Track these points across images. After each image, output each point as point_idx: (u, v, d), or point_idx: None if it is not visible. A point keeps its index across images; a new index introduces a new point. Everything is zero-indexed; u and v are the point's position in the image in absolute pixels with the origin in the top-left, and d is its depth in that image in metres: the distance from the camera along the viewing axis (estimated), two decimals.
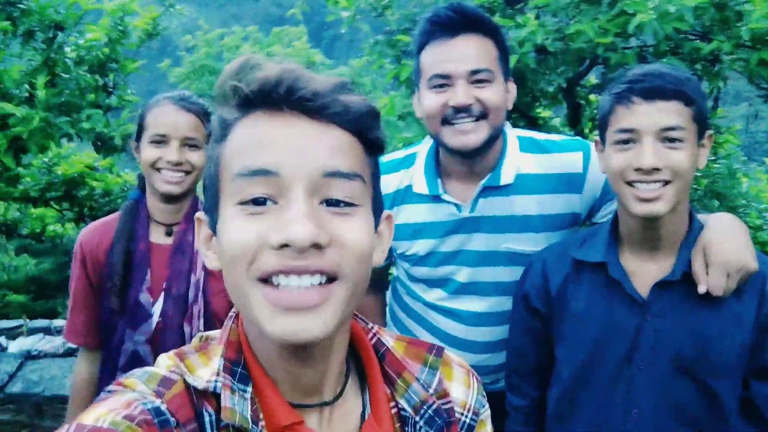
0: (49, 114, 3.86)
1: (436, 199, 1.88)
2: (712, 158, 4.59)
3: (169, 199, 1.99)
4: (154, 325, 1.95)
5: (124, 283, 1.95)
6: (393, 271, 2.24)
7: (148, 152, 1.95)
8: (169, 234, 2.04)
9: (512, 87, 1.84)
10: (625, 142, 1.47)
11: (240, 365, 0.84)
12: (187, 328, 1.94)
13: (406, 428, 0.91)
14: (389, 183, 1.93)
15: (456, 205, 1.87)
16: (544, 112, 4.85)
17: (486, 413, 1.05)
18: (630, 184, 1.46)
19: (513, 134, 1.92)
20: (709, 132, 1.51)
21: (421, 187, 1.90)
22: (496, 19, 3.31)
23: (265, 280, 0.77)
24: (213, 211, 0.84)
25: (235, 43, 23.19)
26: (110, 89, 4.31)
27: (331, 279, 0.78)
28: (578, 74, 3.93)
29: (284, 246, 0.75)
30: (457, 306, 1.96)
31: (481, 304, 1.93)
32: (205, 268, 2.00)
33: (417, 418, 0.91)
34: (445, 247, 1.91)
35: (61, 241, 7.20)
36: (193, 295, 1.97)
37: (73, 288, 2.05)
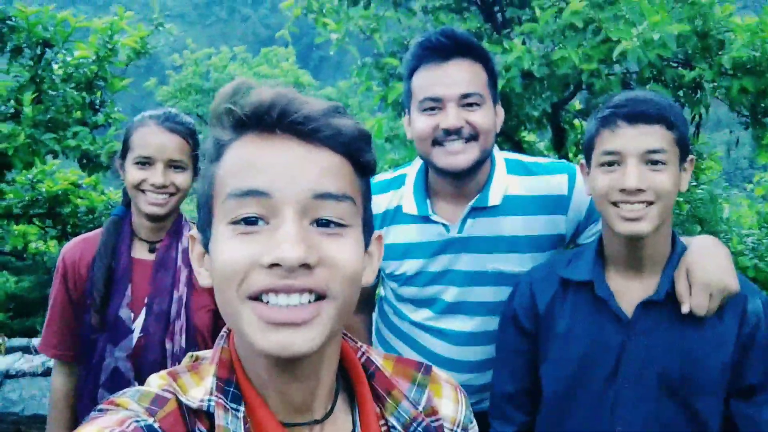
0: (35, 130, 3.84)
1: (425, 219, 1.90)
2: (694, 184, 4.66)
3: (153, 218, 1.99)
4: (134, 341, 1.93)
5: (105, 299, 1.94)
6: (380, 291, 2.25)
7: (132, 174, 1.94)
8: (152, 251, 2.04)
9: (500, 111, 1.88)
10: (610, 164, 1.52)
11: (232, 384, 0.85)
12: (168, 345, 1.93)
13: None
14: (379, 203, 1.95)
15: (444, 225, 1.89)
16: (529, 136, 4.91)
17: (474, 429, 1.06)
18: (615, 204, 1.50)
19: (500, 157, 1.95)
20: (691, 156, 1.56)
21: (410, 207, 1.92)
22: (484, 44, 3.35)
23: (255, 297, 0.78)
24: (206, 229, 0.86)
25: (223, 62, 23.23)
26: (97, 107, 4.30)
27: (320, 297, 0.79)
28: (563, 99, 3.98)
29: (274, 265, 0.76)
30: (444, 325, 1.97)
31: (468, 324, 1.94)
32: (188, 284, 1.99)
33: None
34: (433, 267, 1.92)
35: (42, 259, 7.12)
36: (176, 311, 1.96)
37: (51, 301, 2.04)
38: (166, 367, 1.22)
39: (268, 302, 0.77)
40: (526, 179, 1.91)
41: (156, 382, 0.85)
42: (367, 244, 0.89)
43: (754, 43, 3.30)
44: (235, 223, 0.79)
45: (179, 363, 0.92)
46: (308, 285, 0.77)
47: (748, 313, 1.54)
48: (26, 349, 6.71)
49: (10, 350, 6.58)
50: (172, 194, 1.95)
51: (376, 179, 2.00)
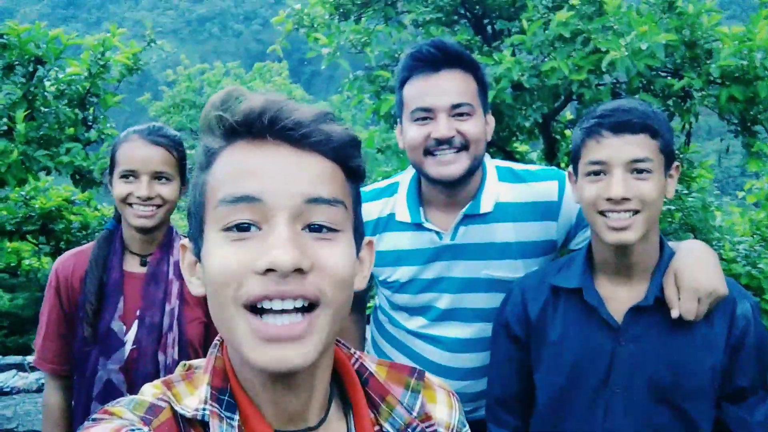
0: (27, 147, 3.84)
1: (418, 226, 1.92)
2: (686, 192, 4.67)
3: (142, 231, 2.01)
4: (127, 354, 1.94)
5: (96, 312, 1.94)
6: (376, 300, 2.25)
7: (119, 188, 1.97)
8: (143, 264, 2.05)
9: (491, 120, 1.90)
10: (596, 173, 1.54)
11: (227, 393, 0.85)
12: (161, 357, 1.94)
13: None
14: (371, 210, 1.97)
15: (437, 233, 1.90)
16: (521, 147, 4.93)
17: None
18: (602, 213, 1.52)
19: (492, 164, 1.97)
20: (676, 163, 1.58)
21: (403, 215, 1.94)
22: (474, 56, 3.38)
23: (250, 307, 0.78)
24: (197, 237, 0.86)
25: (216, 78, 23.31)
26: (90, 123, 4.30)
27: (313, 305, 0.79)
28: (554, 110, 4.01)
29: (268, 271, 0.76)
30: (438, 333, 1.98)
31: (463, 331, 1.95)
32: (180, 296, 2.00)
33: None
34: (426, 274, 1.94)
35: (36, 276, 7.10)
36: (168, 323, 1.97)
37: (45, 315, 2.05)
38: None
39: (262, 311, 0.78)
40: (516, 186, 1.93)
41: (150, 391, 0.86)
42: (358, 250, 0.90)
43: (742, 51, 3.33)
44: (227, 229, 0.80)
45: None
46: (301, 291, 0.78)
47: (737, 317, 1.55)
48: (20, 367, 6.68)
49: (4, 367, 6.55)
50: (158, 206, 1.97)
51: (369, 188, 2.02)
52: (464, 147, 1.79)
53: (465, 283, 1.93)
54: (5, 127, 3.91)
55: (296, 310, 0.78)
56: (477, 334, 1.95)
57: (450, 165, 1.79)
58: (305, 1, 4.46)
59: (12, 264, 6.21)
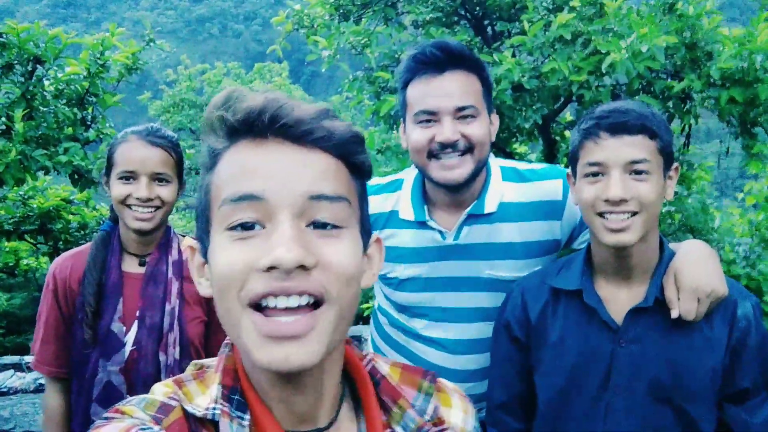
0: (26, 147, 3.83)
1: (421, 225, 1.91)
2: (685, 194, 4.67)
3: (141, 233, 1.99)
4: (127, 355, 1.93)
5: (96, 313, 1.93)
6: (375, 301, 2.24)
7: (117, 189, 1.94)
8: (142, 264, 2.04)
9: (495, 119, 1.89)
10: (594, 174, 1.53)
11: (237, 392, 0.85)
12: (162, 357, 1.92)
13: None
14: (372, 205, 1.95)
15: (441, 232, 1.89)
16: (520, 148, 4.93)
17: None
18: (600, 215, 1.51)
19: (496, 164, 1.96)
20: (675, 164, 1.57)
21: (407, 213, 1.93)
22: None
23: (255, 306, 0.78)
24: (204, 238, 0.86)
25: (217, 78, 23.33)
26: (89, 123, 4.30)
27: (318, 302, 0.79)
28: (554, 111, 4.00)
29: (271, 268, 0.76)
30: (439, 334, 1.97)
31: (464, 331, 1.94)
32: (179, 295, 1.99)
33: None
34: (427, 273, 1.93)
35: (34, 276, 7.09)
36: (168, 323, 1.96)
37: (43, 318, 2.03)
38: (160, 380, 1.22)
39: (266, 308, 0.77)
40: (521, 186, 1.92)
41: (161, 390, 0.86)
42: (365, 247, 0.90)
43: (742, 54, 3.33)
44: (231, 229, 0.80)
45: (173, 375, 0.92)
46: (305, 287, 0.77)
47: (738, 318, 1.55)
48: (18, 367, 6.67)
49: (1, 367, 6.54)
50: (157, 207, 1.95)
51: (370, 182, 2.01)
52: (469, 150, 1.77)
53: (466, 283, 1.92)
54: (3, 127, 3.91)
55: (300, 307, 0.78)
56: (478, 335, 1.94)
57: (454, 169, 1.77)
58: (305, 1, 4.46)
59: (10, 264, 6.21)
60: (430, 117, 1.77)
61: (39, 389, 4.92)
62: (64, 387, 2.05)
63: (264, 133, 0.81)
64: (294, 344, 0.77)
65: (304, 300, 0.78)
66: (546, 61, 3.50)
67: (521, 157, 4.68)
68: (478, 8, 4.22)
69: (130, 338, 1.95)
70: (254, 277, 0.77)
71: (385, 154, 4.11)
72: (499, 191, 1.90)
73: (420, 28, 4.18)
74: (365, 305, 5.01)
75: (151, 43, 4.45)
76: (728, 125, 3.86)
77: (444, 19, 4.14)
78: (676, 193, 5.28)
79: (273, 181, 0.79)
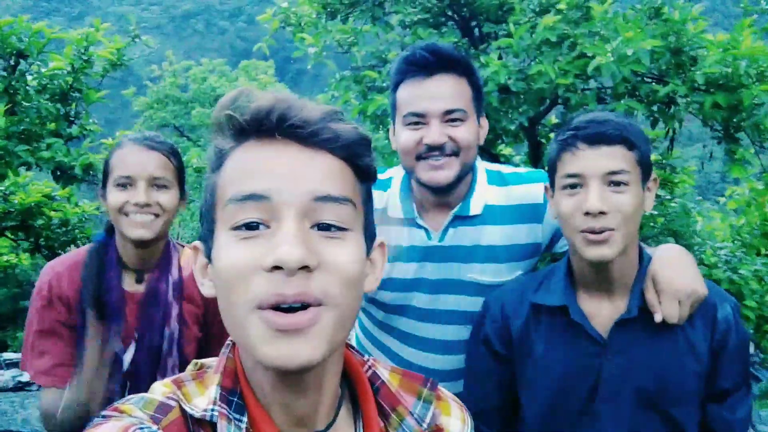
0: (8, 142, 3.80)
1: (409, 222, 1.91)
2: (668, 197, 4.72)
3: (139, 244, 1.85)
4: (124, 371, 1.86)
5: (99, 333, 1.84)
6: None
7: (113, 196, 1.82)
8: (139, 281, 1.92)
9: (484, 123, 1.90)
10: (572, 186, 1.51)
11: (236, 395, 0.84)
12: (159, 379, 1.84)
13: None
14: None
15: (427, 232, 1.90)
16: (505, 150, 4.95)
17: None
18: (580, 230, 1.49)
19: (482, 167, 1.96)
20: (654, 176, 1.57)
21: (395, 210, 1.93)
22: None
23: (261, 307, 0.77)
24: (209, 239, 0.85)
25: (202, 74, 23.21)
26: (72, 118, 4.26)
27: (319, 304, 0.79)
28: (539, 113, 4.03)
29: (275, 268, 0.75)
30: (418, 332, 1.97)
31: (443, 332, 1.95)
32: (179, 318, 1.90)
33: None
34: (410, 273, 1.93)
35: (14, 272, 7.02)
36: (167, 348, 1.88)
37: (35, 329, 1.88)
38: None
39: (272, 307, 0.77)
40: (504, 189, 1.93)
41: (160, 389, 0.85)
42: (369, 251, 0.89)
43: (726, 59, 3.36)
44: (236, 228, 0.79)
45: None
46: (305, 297, 0.76)
47: (719, 321, 1.56)
48: None
49: None
50: (156, 215, 1.83)
51: None
52: (455, 153, 1.78)
53: (448, 285, 1.92)
54: None
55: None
56: (457, 336, 1.95)
57: (440, 171, 1.78)
58: None
59: None
60: (419, 119, 1.78)
61: (18, 387, 4.87)
62: (61, 393, 1.93)
63: (271, 133, 0.81)
64: (298, 340, 0.77)
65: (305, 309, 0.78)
66: (532, 63, 3.52)
67: (506, 159, 4.70)
68: (465, 10, 4.23)
69: (126, 358, 1.88)
70: (258, 276, 0.77)
71: None
72: (484, 194, 1.91)
73: (407, 29, 4.19)
74: None
75: (137, 39, 4.42)
76: (712, 130, 3.90)
77: (431, 20, 4.15)
78: (658, 196, 5.33)
79: (278, 181, 0.79)
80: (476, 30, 4.39)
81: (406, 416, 0.93)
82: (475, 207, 1.88)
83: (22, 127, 3.89)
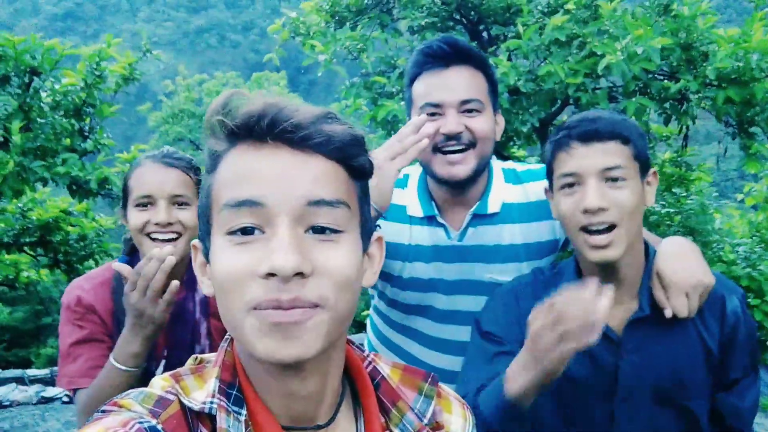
0: (24, 158, 3.84)
1: (429, 220, 1.90)
2: (684, 195, 4.67)
3: None
4: None
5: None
6: (370, 308, 2.23)
7: (134, 217, 1.78)
8: None
9: (500, 119, 1.89)
10: (570, 185, 1.50)
11: (235, 388, 0.85)
12: None
13: None
14: None
15: (446, 230, 1.88)
16: (518, 152, 4.93)
17: None
18: (582, 231, 1.48)
19: (498, 166, 1.96)
20: (653, 170, 1.55)
21: (415, 209, 1.92)
22: None
23: (257, 308, 0.78)
24: (206, 239, 0.86)
25: (216, 88, 23.39)
26: (86, 133, 4.31)
27: (314, 306, 0.79)
28: (551, 114, 4.01)
29: (270, 275, 0.76)
30: (438, 334, 1.96)
31: (461, 333, 1.93)
32: (208, 335, 1.86)
33: None
34: (429, 273, 1.92)
35: (35, 289, 7.08)
36: None
37: (70, 341, 1.82)
38: None
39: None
40: (520, 187, 1.92)
41: (159, 383, 0.85)
42: (366, 247, 0.89)
43: (738, 53, 3.33)
44: (231, 233, 0.80)
45: None
46: (300, 302, 0.77)
47: (728, 314, 1.54)
48: (20, 380, 6.66)
49: (3, 381, 6.53)
50: (179, 234, 1.79)
51: None
52: (472, 144, 1.77)
53: (466, 285, 1.91)
54: (1, 139, 3.92)
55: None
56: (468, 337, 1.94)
57: (457, 165, 1.77)
58: (302, 9, 4.48)
59: (10, 276, 6.20)
60: (435, 110, 1.78)
61: (41, 401, 4.91)
62: None
63: (263, 137, 0.81)
64: (293, 335, 0.77)
65: (300, 309, 0.78)
66: (542, 64, 3.51)
67: (520, 161, 4.68)
68: (473, 13, 4.23)
69: (158, 374, 1.84)
70: (254, 282, 0.77)
71: None
72: (501, 192, 1.90)
73: (416, 34, 4.20)
74: (365, 312, 5.01)
75: (148, 53, 4.46)
76: (725, 125, 3.87)
77: (439, 24, 4.15)
78: (674, 194, 5.29)
79: (272, 187, 0.79)
80: (485, 33, 4.38)
81: (406, 412, 0.93)
82: (493, 205, 1.87)
83: (37, 143, 3.94)
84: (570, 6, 3.57)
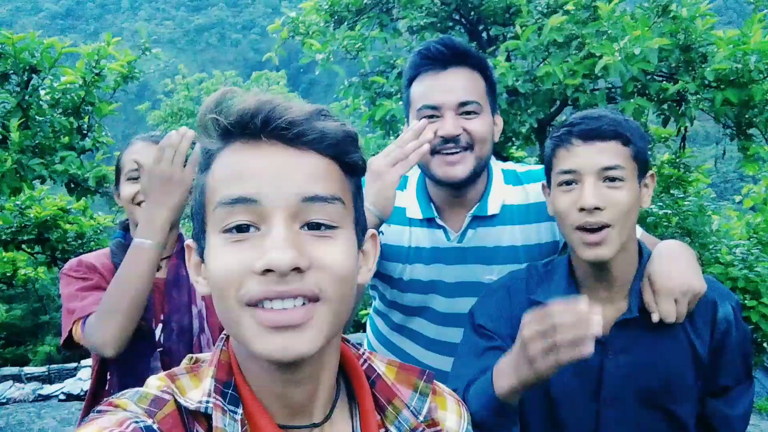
0: (22, 156, 3.84)
1: (429, 222, 1.90)
2: (682, 196, 4.68)
3: None
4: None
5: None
6: (369, 310, 2.23)
7: (126, 189, 1.90)
8: (158, 269, 1.90)
9: (499, 120, 1.89)
10: (568, 183, 1.50)
11: (231, 387, 0.85)
12: None
13: None
14: None
15: (446, 232, 1.88)
16: (517, 152, 4.93)
17: None
18: (578, 229, 1.48)
19: (498, 167, 1.95)
20: (651, 172, 1.55)
21: (414, 211, 1.91)
22: None
23: (253, 304, 0.78)
24: (200, 238, 0.86)
25: (215, 87, 23.37)
26: (85, 131, 4.31)
27: (313, 301, 0.80)
28: (549, 115, 4.01)
29: (267, 271, 0.76)
30: (438, 335, 1.96)
31: (460, 335, 1.93)
32: (205, 298, 1.93)
33: None
34: (430, 274, 1.91)
35: (33, 287, 7.07)
36: (198, 325, 1.92)
37: (76, 288, 1.85)
38: None
39: (263, 306, 0.78)
40: (520, 188, 1.92)
41: (155, 383, 0.86)
42: (360, 243, 0.90)
43: (736, 55, 3.33)
44: (226, 231, 0.80)
45: None
46: (300, 290, 0.78)
47: (719, 320, 1.53)
48: (17, 378, 6.66)
49: (0, 378, 6.52)
50: None
51: None
52: (470, 146, 1.77)
53: (465, 287, 1.90)
54: (0, 136, 3.91)
55: (296, 307, 0.79)
56: None
57: (455, 166, 1.77)
58: (301, 9, 4.48)
59: (8, 274, 6.20)
60: (433, 112, 1.77)
61: (37, 399, 4.91)
62: None
63: (257, 135, 0.82)
64: (292, 334, 0.78)
65: (299, 302, 0.78)
66: (540, 64, 3.51)
67: (519, 162, 4.69)
68: (472, 13, 4.23)
69: (158, 333, 1.91)
70: (250, 279, 0.78)
71: None
72: (501, 194, 1.89)
73: (415, 34, 4.20)
74: (364, 311, 5.01)
75: (147, 52, 4.46)
76: (724, 127, 3.87)
77: (439, 24, 4.15)
78: (672, 195, 5.29)
79: (266, 184, 0.79)
80: (484, 33, 4.39)
81: (402, 409, 0.93)
82: (493, 206, 1.86)
83: (36, 141, 3.94)
84: (569, 6, 3.57)
